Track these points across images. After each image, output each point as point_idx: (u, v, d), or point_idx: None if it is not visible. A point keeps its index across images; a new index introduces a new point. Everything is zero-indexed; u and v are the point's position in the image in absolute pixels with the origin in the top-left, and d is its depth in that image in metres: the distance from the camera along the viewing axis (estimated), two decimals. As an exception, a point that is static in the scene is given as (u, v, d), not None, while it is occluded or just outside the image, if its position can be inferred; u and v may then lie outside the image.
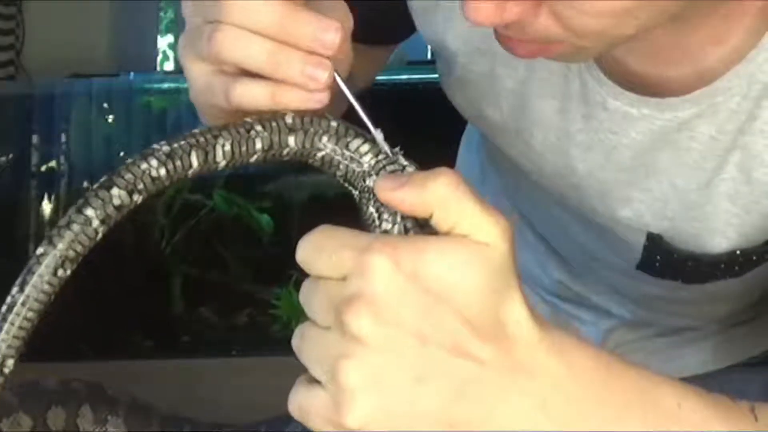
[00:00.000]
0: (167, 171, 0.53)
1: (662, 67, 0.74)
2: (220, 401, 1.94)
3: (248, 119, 0.55)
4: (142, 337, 2.47)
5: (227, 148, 0.54)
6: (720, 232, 0.76)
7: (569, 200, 0.83)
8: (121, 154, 2.74)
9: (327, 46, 0.54)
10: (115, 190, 0.52)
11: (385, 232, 0.52)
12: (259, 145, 0.55)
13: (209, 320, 2.59)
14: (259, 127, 0.55)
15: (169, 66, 3.06)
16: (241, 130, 0.55)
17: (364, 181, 0.55)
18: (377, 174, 0.55)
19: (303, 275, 0.53)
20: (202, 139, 0.54)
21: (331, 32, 0.54)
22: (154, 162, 0.53)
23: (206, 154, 0.54)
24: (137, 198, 0.53)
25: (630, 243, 0.83)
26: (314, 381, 0.51)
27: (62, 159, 2.71)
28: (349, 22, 0.60)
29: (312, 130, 0.56)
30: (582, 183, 0.80)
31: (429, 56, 3.01)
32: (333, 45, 0.54)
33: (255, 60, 0.55)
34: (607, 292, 0.96)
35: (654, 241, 0.81)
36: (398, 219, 0.53)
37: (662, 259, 0.82)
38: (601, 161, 0.78)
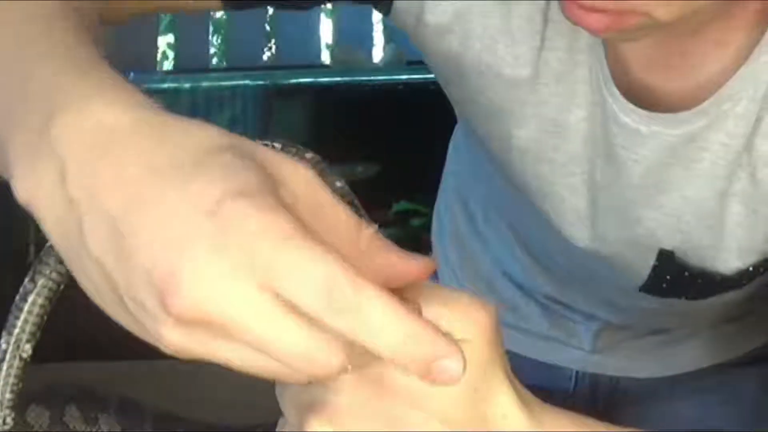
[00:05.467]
0: None
1: (666, 77, 0.73)
2: (217, 401, 1.93)
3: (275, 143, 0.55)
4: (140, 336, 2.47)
5: None
6: (731, 235, 0.75)
7: (582, 222, 0.81)
8: (121, 154, 2.73)
9: (442, 375, 0.41)
10: None
11: None
12: None
13: (208, 320, 2.58)
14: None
15: (169, 66, 3.06)
16: (259, 143, 0.54)
17: None
18: None
19: None
20: None
21: (455, 361, 0.41)
22: None
23: None
24: None
25: (637, 266, 0.82)
26: None
27: (62, 159, 2.70)
28: None
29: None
30: (598, 196, 0.78)
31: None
32: (447, 377, 0.41)
33: None
34: (598, 305, 0.96)
35: (665, 260, 0.80)
36: None
37: (672, 278, 0.81)
38: (613, 175, 0.77)
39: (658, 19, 0.61)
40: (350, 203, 0.53)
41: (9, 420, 0.52)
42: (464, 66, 0.76)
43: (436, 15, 0.74)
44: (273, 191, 0.41)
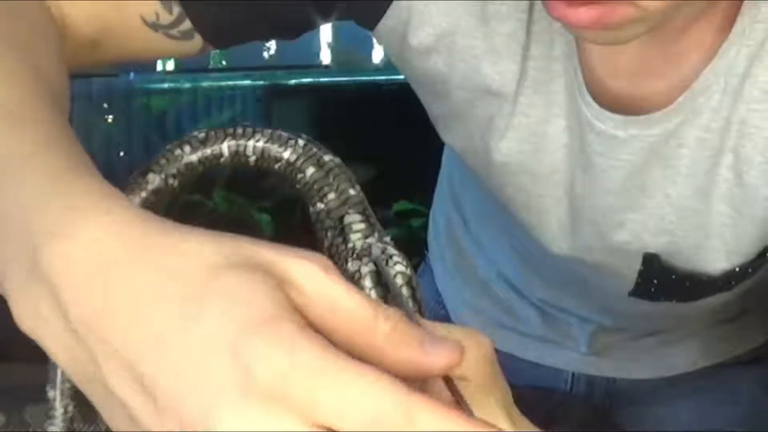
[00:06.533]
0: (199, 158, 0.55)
1: (648, 82, 0.73)
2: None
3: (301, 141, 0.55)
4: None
5: (259, 144, 0.54)
6: (717, 235, 0.75)
7: (564, 232, 0.81)
8: (121, 154, 2.74)
9: None
10: (150, 176, 0.54)
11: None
12: (287, 155, 0.54)
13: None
14: (301, 141, 0.55)
15: (169, 66, 3.06)
16: (283, 135, 0.55)
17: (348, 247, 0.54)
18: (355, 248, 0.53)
19: None
20: (239, 131, 0.54)
21: None
22: (187, 148, 0.54)
23: (237, 146, 0.54)
24: (173, 182, 0.54)
25: (623, 272, 0.82)
26: None
27: (62, 159, 2.70)
28: None
29: (328, 182, 0.55)
30: (579, 206, 0.79)
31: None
32: None
33: None
34: (591, 308, 0.96)
35: (651, 264, 0.80)
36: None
37: (659, 282, 0.81)
38: (592, 184, 0.77)
39: (646, 9, 0.61)
40: (363, 212, 0.53)
41: (70, 408, 0.52)
42: (450, 83, 0.76)
43: (420, 38, 0.74)
44: (289, 309, 0.39)
